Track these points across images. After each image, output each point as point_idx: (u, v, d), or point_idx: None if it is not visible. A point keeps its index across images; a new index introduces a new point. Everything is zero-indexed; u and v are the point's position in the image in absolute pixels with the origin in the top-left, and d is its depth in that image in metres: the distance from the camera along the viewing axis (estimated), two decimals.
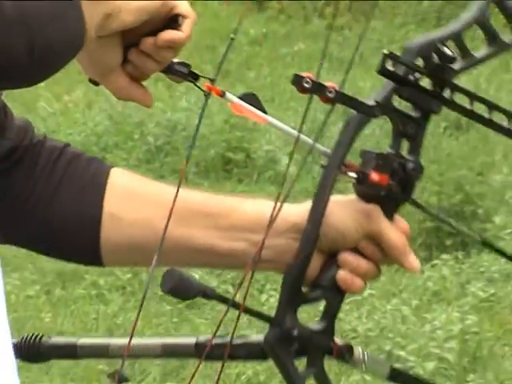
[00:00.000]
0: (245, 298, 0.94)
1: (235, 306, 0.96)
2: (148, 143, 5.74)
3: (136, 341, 1.04)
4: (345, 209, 1.05)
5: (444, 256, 3.96)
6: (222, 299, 1.00)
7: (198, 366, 0.98)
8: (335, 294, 1.04)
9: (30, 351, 1.15)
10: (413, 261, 1.03)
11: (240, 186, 5.78)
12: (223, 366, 0.98)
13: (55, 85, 6.02)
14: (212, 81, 0.99)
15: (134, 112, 5.70)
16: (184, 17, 0.97)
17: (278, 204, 0.96)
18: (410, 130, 1.04)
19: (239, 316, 0.95)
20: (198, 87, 1.00)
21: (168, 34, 0.96)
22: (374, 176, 1.01)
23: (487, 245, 1.16)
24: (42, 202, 1.09)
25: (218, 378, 0.97)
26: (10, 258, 4.12)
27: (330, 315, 1.04)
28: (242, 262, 1.02)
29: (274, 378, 3.55)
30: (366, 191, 1.03)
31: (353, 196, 1.04)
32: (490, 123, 1.03)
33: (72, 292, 3.76)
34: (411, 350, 3.33)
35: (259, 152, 5.91)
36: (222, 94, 0.99)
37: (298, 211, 1.03)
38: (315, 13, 7.03)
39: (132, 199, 1.12)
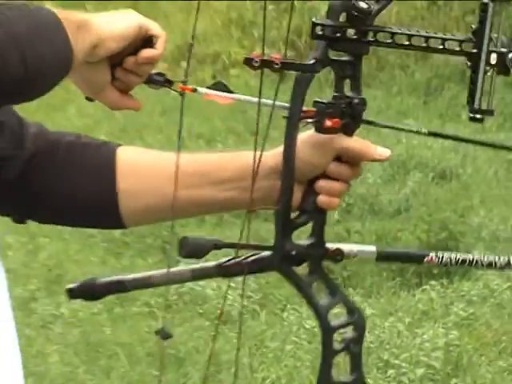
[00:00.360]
0: (248, 238, 0.98)
1: (243, 247, 1.02)
2: None
3: (171, 270, 1.09)
4: (309, 143, 1.03)
5: (432, 282, 3.98)
6: (230, 245, 1.04)
7: (228, 287, 1.12)
8: (319, 215, 1.07)
9: (87, 292, 1.20)
10: (381, 150, 1.03)
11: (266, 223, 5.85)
12: (244, 279, 1.04)
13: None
14: (184, 82, 1.01)
15: None
16: (157, 37, 0.99)
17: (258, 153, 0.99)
18: (348, 72, 1.04)
19: (247, 256, 1.03)
20: (174, 90, 1.02)
21: (146, 53, 0.98)
22: (328, 123, 1.02)
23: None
24: (64, 193, 1.09)
25: (243, 291, 1.11)
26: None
27: (319, 231, 1.08)
28: (238, 206, 1.08)
29: (294, 381, 3.43)
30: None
31: (313, 130, 1.03)
32: (411, 47, 1.03)
33: (128, 310, 3.84)
34: (404, 358, 3.38)
35: None
36: (195, 90, 1.01)
37: (273, 155, 1.03)
38: (327, 84, 6.98)
39: (140, 173, 1.10)
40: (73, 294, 1.21)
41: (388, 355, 3.43)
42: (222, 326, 3.53)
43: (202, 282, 3.79)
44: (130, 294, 4.32)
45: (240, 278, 1.32)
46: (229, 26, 7.90)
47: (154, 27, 1.00)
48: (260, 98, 1.02)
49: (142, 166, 1.11)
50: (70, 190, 1.08)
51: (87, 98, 1.04)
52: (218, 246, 1.04)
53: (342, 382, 1.10)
